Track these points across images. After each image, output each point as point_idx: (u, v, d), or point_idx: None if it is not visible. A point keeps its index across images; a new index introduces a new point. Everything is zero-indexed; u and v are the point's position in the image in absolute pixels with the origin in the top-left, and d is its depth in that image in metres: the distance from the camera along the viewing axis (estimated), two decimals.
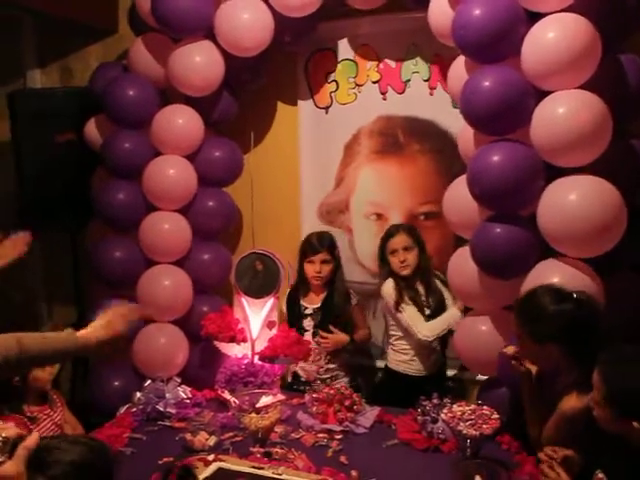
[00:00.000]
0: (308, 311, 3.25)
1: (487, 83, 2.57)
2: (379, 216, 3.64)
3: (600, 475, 1.91)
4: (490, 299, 2.82)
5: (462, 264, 2.86)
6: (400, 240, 3.18)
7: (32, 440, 1.13)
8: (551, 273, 2.58)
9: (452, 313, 3.13)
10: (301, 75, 3.69)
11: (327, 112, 3.68)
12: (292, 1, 3.16)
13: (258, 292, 3.06)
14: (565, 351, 2.25)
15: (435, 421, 2.75)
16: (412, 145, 3.54)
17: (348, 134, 3.66)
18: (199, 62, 3.25)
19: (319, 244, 3.20)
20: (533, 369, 2.46)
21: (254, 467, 2.23)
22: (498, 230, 2.67)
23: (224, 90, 3.44)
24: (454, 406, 2.61)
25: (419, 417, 2.78)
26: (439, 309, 3.20)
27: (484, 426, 2.49)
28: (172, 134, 3.35)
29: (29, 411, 2.61)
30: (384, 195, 3.63)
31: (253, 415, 2.59)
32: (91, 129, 3.51)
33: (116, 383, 3.24)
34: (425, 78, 3.48)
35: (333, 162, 3.71)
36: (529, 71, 2.58)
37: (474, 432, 2.45)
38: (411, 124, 3.53)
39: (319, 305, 3.24)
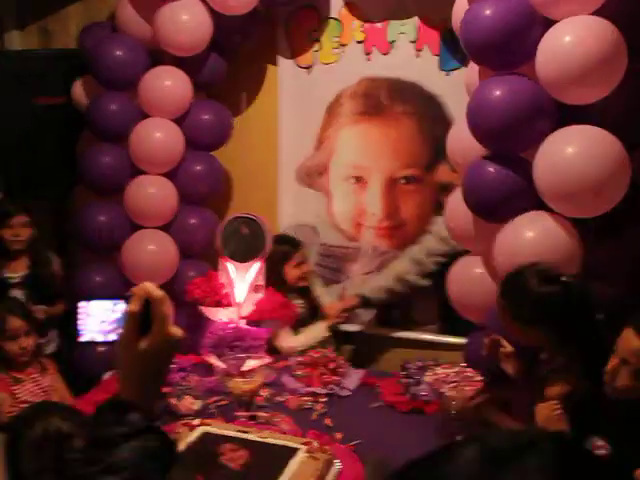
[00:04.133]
0: None
1: (488, 11, 2.40)
2: (358, 179, 3.58)
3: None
4: (484, 241, 2.69)
5: (457, 206, 2.76)
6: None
7: None
8: (531, 226, 2.46)
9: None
10: (282, 34, 3.60)
11: (309, 72, 3.60)
12: None
13: (244, 256, 3.03)
14: (550, 336, 2.13)
15: (418, 383, 2.77)
16: (395, 107, 3.48)
17: (330, 95, 3.59)
18: (187, 20, 3.20)
19: None
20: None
21: (240, 431, 2.22)
22: (491, 169, 2.52)
23: (213, 51, 3.36)
24: (438, 368, 2.62)
25: (403, 379, 2.80)
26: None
27: (466, 388, 2.50)
28: (160, 96, 3.31)
29: (15, 373, 2.60)
30: (365, 158, 3.58)
31: (238, 379, 2.58)
32: (78, 91, 3.45)
33: (101, 349, 3.21)
34: (412, 39, 3.41)
35: (314, 124, 3.63)
36: None
37: (457, 394, 2.46)
38: (395, 86, 3.46)
39: None
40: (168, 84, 3.29)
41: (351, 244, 3.61)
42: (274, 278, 3.19)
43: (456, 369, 2.60)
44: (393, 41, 3.44)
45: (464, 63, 3.18)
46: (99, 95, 3.32)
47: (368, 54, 3.49)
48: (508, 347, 2.32)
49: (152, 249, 3.31)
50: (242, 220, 3.04)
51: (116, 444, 0.92)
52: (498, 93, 2.45)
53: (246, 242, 3.03)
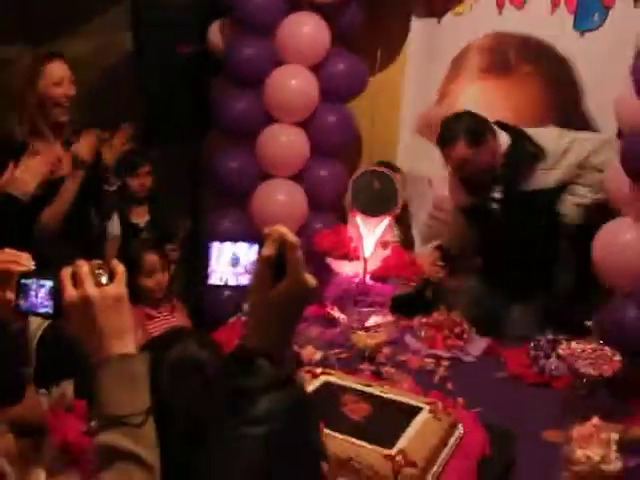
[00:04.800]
0: None
1: None
2: None
3: None
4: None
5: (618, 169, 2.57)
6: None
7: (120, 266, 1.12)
8: None
9: None
10: None
11: (440, 22, 3.47)
12: None
13: (374, 210, 2.97)
14: None
15: (548, 357, 2.64)
16: (523, 67, 3.32)
17: (458, 47, 3.45)
18: None
19: None
20: None
21: (361, 384, 2.18)
22: None
23: (352, 0, 3.28)
24: (573, 343, 2.47)
25: (532, 351, 2.67)
26: None
27: (604, 367, 2.34)
28: (298, 42, 3.29)
29: (148, 310, 2.69)
30: (488, 115, 3.32)
31: (362, 333, 2.56)
32: (214, 35, 3.47)
33: (228, 292, 3.27)
34: None
35: (439, 76, 3.53)
36: None
37: (593, 371, 2.31)
38: (525, 44, 3.29)
39: None
40: (307, 30, 3.26)
41: None
42: None
43: (592, 345, 2.43)
44: None
45: (601, 23, 3.04)
46: (236, 39, 3.32)
47: (501, 7, 3.31)
48: None
49: (282, 199, 3.32)
50: (374, 174, 2.98)
51: (255, 395, 0.91)
52: None
53: (377, 196, 2.97)
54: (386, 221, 2.98)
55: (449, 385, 2.48)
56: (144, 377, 1.06)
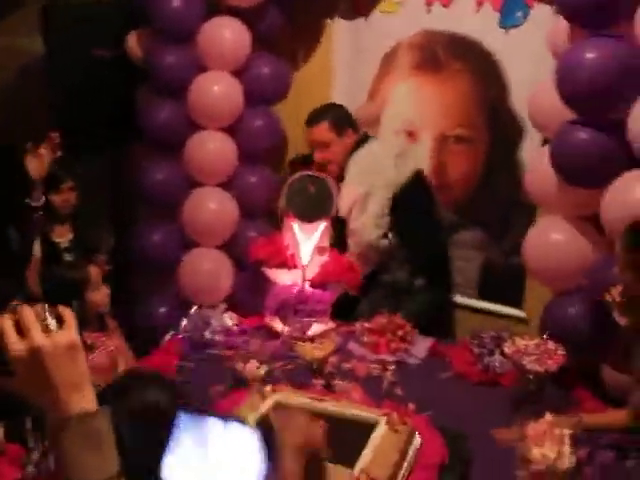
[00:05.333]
0: None
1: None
2: (410, 133, 3.47)
3: None
4: (568, 207, 2.63)
5: (540, 167, 2.65)
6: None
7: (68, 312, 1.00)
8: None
9: None
10: None
11: (367, 21, 3.46)
12: None
13: (310, 215, 2.90)
14: None
15: (492, 353, 2.65)
16: (452, 64, 3.35)
17: (387, 46, 3.45)
18: None
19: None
20: None
21: (314, 399, 2.12)
22: (582, 135, 2.40)
23: (271, 2, 3.21)
24: (517, 339, 2.49)
25: (475, 349, 2.67)
26: None
27: (549, 361, 2.37)
28: (219, 47, 3.19)
29: (87, 337, 2.53)
30: (417, 113, 3.48)
31: (307, 344, 2.49)
32: (133, 44, 3.31)
33: (161, 309, 3.14)
34: None
35: (369, 74, 3.51)
36: None
37: (539, 368, 2.33)
38: (453, 41, 3.33)
39: None
40: (227, 35, 3.16)
41: None
42: None
43: (535, 341, 2.45)
44: None
45: (524, 21, 3.13)
46: (156, 47, 3.19)
47: (429, 5, 3.32)
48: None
49: (212, 207, 3.21)
50: (309, 178, 2.91)
51: None
52: (591, 55, 2.28)
53: (312, 201, 2.90)
54: (322, 226, 2.91)
55: (398, 390, 2.45)
56: (109, 435, 0.95)
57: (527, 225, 2.99)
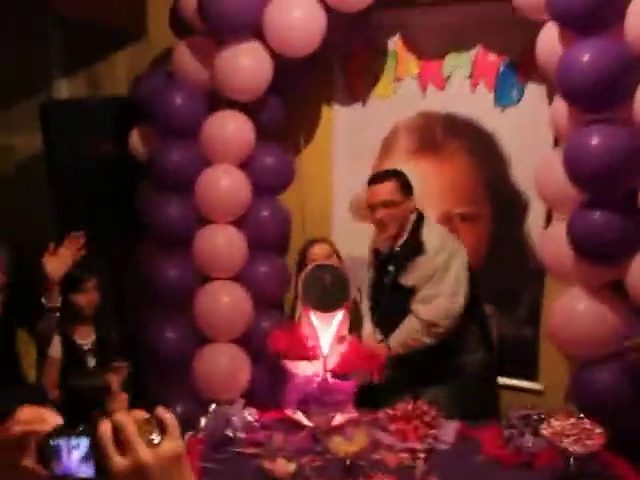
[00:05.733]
0: None
1: (586, 57, 2.41)
2: None
3: None
4: (587, 280, 2.69)
5: (555, 243, 2.74)
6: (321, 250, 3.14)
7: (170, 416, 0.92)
8: None
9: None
10: (338, 69, 3.54)
11: (365, 107, 3.54)
12: None
13: (328, 306, 2.87)
14: None
15: (522, 434, 2.60)
16: (450, 143, 3.43)
17: (385, 129, 3.53)
18: (248, 64, 3.12)
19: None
20: None
21: None
22: (597, 215, 2.52)
23: (272, 94, 3.26)
24: (552, 420, 2.45)
25: (506, 430, 2.63)
26: None
27: (588, 442, 2.33)
28: (223, 142, 3.22)
29: None
30: (420, 194, 3.43)
31: (339, 439, 2.42)
32: (136, 140, 3.33)
33: (178, 408, 3.06)
34: (467, 74, 3.35)
35: (369, 158, 3.58)
36: (634, 41, 2.32)
37: (581, 449, 2.29)
38: (450, 122, 3.42)
39: None
40: (231, 129, 3.19)
41: None
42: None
43: (571, 421, 2.42)
44: (449, 76, 3.38)
45: (519, 99, 3.23)
46: (162, 144, 3.22)
47: (424, 89, 3.43)
48: None
49: (226, 301, 3.18)
50: (324, 268, 2.90)
51: None
52: (595, 142, 2.44)
53: (329, 291, 2.88)
54: (340, 315, 2.89)
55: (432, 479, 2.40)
56: None
57: (536, 296, 3.00)
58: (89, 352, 3.01)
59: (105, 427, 0.89)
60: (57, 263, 2.63)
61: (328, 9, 3.08)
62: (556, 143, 3.04)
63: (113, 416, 0.89)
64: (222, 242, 3.20)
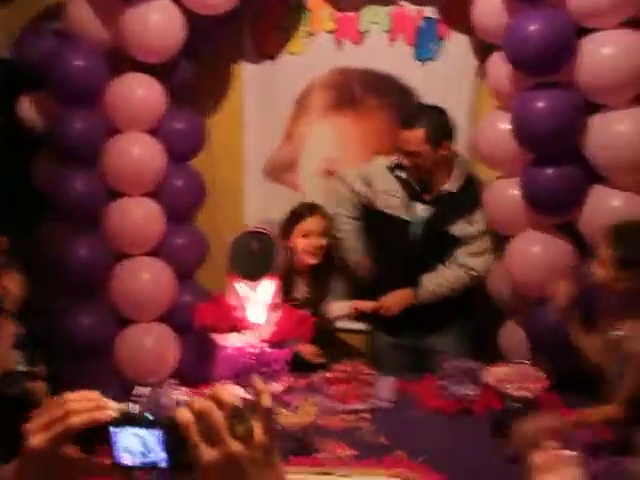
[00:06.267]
0: None
1: (533, 26, 2.54)
2: (329, 172, 3.46)
3: None
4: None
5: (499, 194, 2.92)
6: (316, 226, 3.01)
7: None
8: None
9: None
10: (247, 27, 3.36)
11: (276, 64, 3.40)
12: None
13: (256, 274, 2.76)
14: None
15: (460, 382, 2.66)
16: (369, 99, 3.37)
17: (299, 87, 3.41)
18: (159, 22, 2.88)
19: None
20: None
21: (320, 473, 2.01)
22: (548, 172, 2.70)
23: (181, 54, 3.04)
24: (492, 368, 2.52)
25: (442, 381, 2.67)
26: None
27: (531, 386, 2.41)
28: (133, 107, 2.96)
29: None
30: (337, 151, 3.47)
31: (286, 412, 2.35)
32: (26, 108, 3.03)
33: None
34: (385, 29, 3.28)
35: (282, 117, 3.46)
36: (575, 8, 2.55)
37: (526, 394, 2.36)
38: (368, 77, 3.35)
39: None
40: (141, 93, 2.95)
41: None
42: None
43: (511, 367, 2.50)
44: (366, 31, 3.30)
45: (439, 53, 3.24)
46: (59, 112, 2.92)
47: (339, 44, 3.33)
48: None
49: (146, 278, 2.99)
50: (251, 235, 2.78)
51: None
52: (542, 104, 2.61)
53: (257, 258, 2.77)
54: (271, 283, 2.79)
55: (382, 440, 2.39)
56: None
57: None
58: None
59: (187, 415, 0.80)
60: None
61: None
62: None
63: (193, 402, 0.81)
64: (138, 216, 2.99)
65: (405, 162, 2.94)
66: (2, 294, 2.61)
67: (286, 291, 2.94)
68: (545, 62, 2.58)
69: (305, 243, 3.01)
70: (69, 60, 2.86)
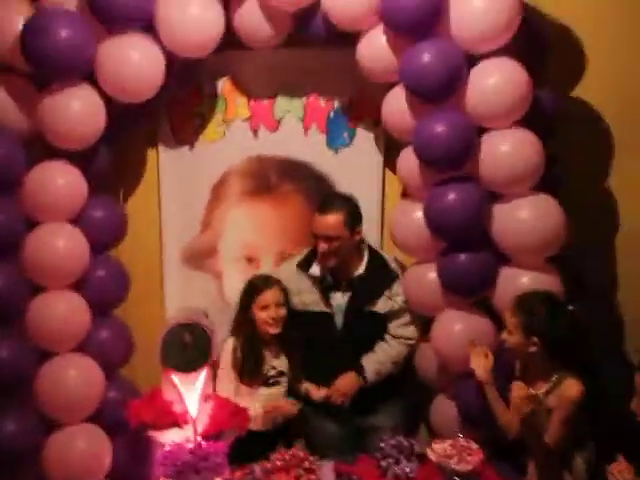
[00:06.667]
0: None
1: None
2: (250, 259, 3.52)
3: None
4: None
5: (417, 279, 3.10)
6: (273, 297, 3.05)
7: None
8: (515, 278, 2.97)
9: None
10: (163, 114, 3.39)
11: (192, 151, 3.44)
12: (188, 40, 2.91)
13: (192, 366, 2.72)
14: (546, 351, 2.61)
15: (397, 462, 2.70)
16: (285, 186, 3.49)
17: (215, 174, 3.47)
18: (80, 111, 2.85)
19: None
20: None
21: None
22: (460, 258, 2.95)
23: (100, 140, 3.01)
24: (434, 445, 2.59)
25: (382, 461, 2.71)
26: None
27: (469, 458, 2.51)
28: (54, 197, 2.88)
29: None
30: (255, 237, 3.54)
31: None
32: None
33: None
34: (299, 117, 3.43)
35: (199, 204, 3.49)
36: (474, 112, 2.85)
37: (466, 467, 2.46)
38: (284, 165, 3.47)
39: None
40: (62, 182, 2.89)
41: None
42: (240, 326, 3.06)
43: (449, 442, 2.59)
44: (281, 118, 3.43)
45: (351, 141, 3.42)
46: None
47: (255, 131, 3.44)
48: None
49: (73, 376, 2.86)
50: (183, 327, 2.74)
51: None
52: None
53: (191, 351, 2.72)
54: (204, 373, 2.75)
55: None
56: None
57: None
58: None
59: None
60: None
61: (167, 53, 2.96)
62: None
63: None
64: (62, 311, 2.87)
65: (323, 247, 3.01)
66: None
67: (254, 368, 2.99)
68: (451, 159, 2.83)
69: (265, 315, 3.00)
70: None
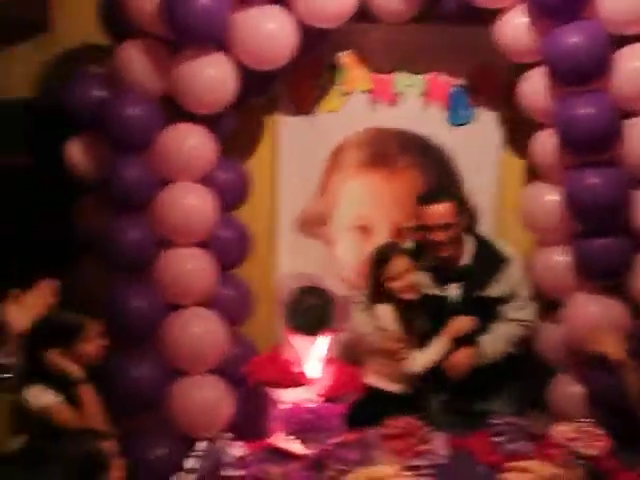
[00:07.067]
0: None
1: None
2: (364, 229, 3.56)
3: None
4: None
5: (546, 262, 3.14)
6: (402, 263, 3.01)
7: None
8: None
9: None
10: (284, 82, 3.42)
11: (310, 120, 3.49)
12: (324, 11, 2.92)
13: (313, 329, 2.77)
14: None
15: (513, 440, 2.68)
16: (402, 159, 3.50)
17: (334, 143, 3.51)
18: (214, 77, 2.91)
19: None
20: None
21: None
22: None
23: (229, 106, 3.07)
24: (558, 426, 2.56)
25: (495, 437, 2.70)
26: None
27: (595, 444, 2.47)
28: (186, 157, 2.96)
29: None
30: (370, 209, 3.58)
31: (363, 470, 2.32)
32: (74, 152, 3.02)
33: (159, 451, 2.80)
34: (419, 93, 3.44)
35: (315, 173, 3.54)
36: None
37: (593, 452, 2.42)
38: (403, 138, 3.49)
39: None
40: (193, 144, 2.97)
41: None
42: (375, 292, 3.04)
43: (575, 425, 2.56)
44: (401, 93, 3.45)
45: (471, 119, 3.43)
46: (112, 160, 2.91)
47: (374, 104, 3.46)
48: None
49: (197, 330, 2.96)
50: (307, 290, 2.79)
51: None
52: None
53: (315, 314, 2.77)
54: (327, 337, 2.80)
55: None
56: None
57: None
58: None
59: None
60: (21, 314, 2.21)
61: (300, 24, 2.98)
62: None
63: None
64: (190, 266, 2.97)
65: (440, 237, 2.97)
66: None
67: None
68: (597, 143, 2.80)
69: (399, 285, 3.00)
70: (126, 109, 2.85)
